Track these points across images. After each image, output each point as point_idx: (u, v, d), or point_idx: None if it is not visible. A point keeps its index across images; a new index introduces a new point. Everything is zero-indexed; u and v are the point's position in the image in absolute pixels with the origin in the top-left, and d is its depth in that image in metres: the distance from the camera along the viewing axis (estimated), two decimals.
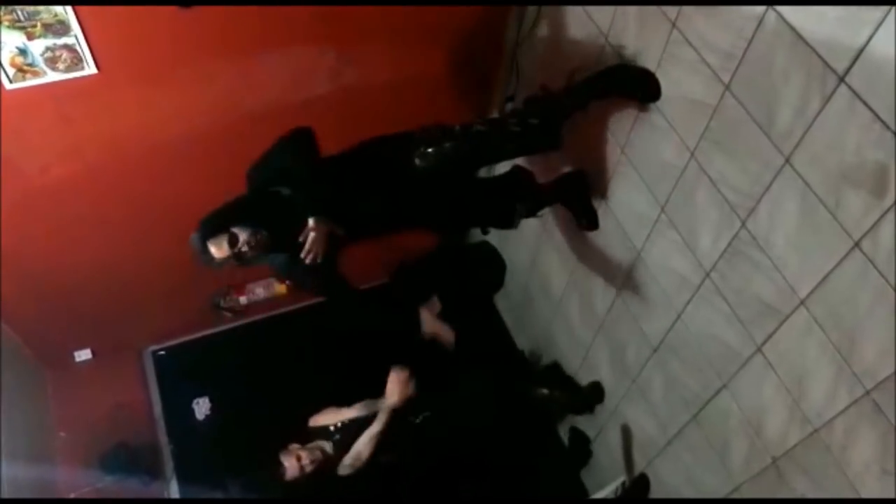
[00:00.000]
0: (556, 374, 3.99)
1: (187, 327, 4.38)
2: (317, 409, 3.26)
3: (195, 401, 4.18)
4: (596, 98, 2.69)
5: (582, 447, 3.91)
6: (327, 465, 3.07)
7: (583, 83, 2.67)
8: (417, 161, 2.54)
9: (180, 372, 4.29)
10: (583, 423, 3.90)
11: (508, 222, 2.97)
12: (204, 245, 2.33)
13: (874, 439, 2.04)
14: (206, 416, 4.16)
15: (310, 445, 3.08)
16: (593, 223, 3.08)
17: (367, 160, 2.58)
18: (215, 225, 2.34)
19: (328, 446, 3.10)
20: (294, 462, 2.98)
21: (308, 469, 3.00)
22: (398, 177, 2.58)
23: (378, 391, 3.16)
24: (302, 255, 2.37)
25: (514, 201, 2.95)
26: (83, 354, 4.18)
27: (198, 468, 3.92)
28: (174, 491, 4.00)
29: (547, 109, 2.64)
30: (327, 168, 2.49)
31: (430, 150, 2.53)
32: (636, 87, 2.58)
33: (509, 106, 3.62)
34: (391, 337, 3.33)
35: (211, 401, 4.19)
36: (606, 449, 3.72)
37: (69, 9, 2.46)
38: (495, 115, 3.68)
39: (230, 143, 3.26)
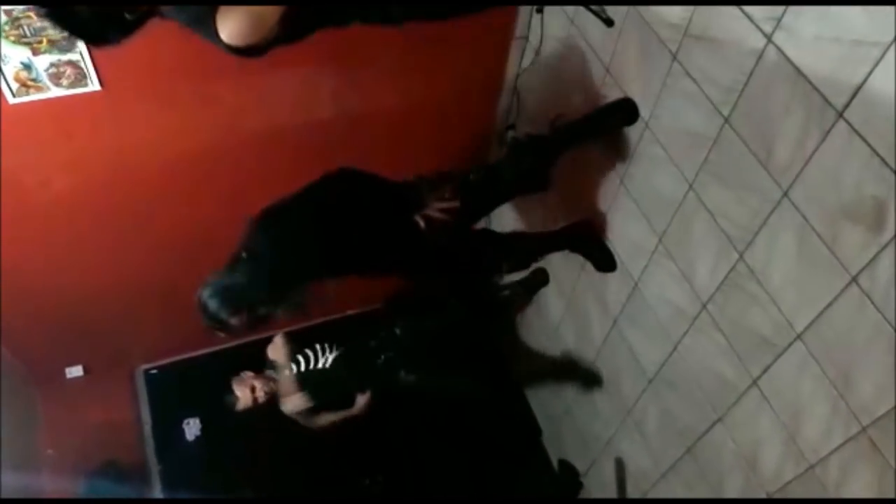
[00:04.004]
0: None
1: (181, 347, 4.34)
2: (303, 435, 3.21)
3: (186, 421, 4.14)
4: (582, 141, 2.78)
5: (570, 479, 3.88)
6: (279, 397, 3.00)
7: (565, 128, 2.75)
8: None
9: (172, 391, 4.25)
10: (574, 455, 3.87)
11: (522, 262, 3.10)
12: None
13: (870, 477, 2.02)
14: (197, 436, 4.11)
15: (265, 375, 3.00)
16: (611, 266, 3.07)
17: (366, 215, 2.49)
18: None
19: (284, 379, 3.01)
20: (247, 392, 2.93)
21: (261, 399, 2.94)
22: (399, 230, 2.54)
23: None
24: None
25: (502, 259, 3.03)
26: (75, 371, 4.14)
27: (186, 489, 3.87)
28: None
29: (535, 152, 2.71)
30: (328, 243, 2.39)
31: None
32: (616, 121, 2.68)
33: (510, 134, 3.64)
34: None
35: (202, 422, 4.14)
36: (599, 482, 3.68)
37: None
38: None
39: (231, 164, 3.28)
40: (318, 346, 3.09)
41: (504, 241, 3.09)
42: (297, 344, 3.11)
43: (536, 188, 2.78)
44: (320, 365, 3.07)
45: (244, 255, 2.30)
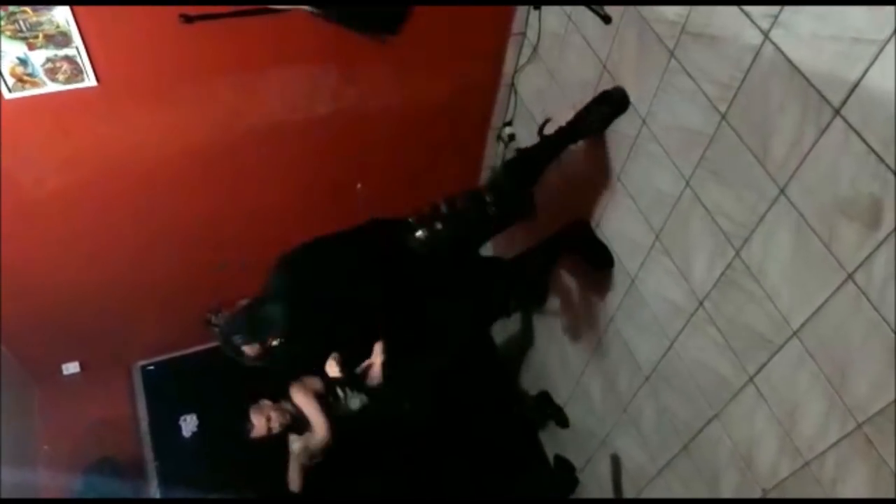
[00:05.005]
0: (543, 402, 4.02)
1: (177, 343, 4.34)
2: None
3: (182, 417, 4.14)
4: (570, 143, 2.77)
5: (566, 475, 3.89)
6: (293, 429, 3.06)
7: (554, 135, 2.76)
8: (414, 245, 2.51)
9: (169, 388, 4.24)
10: (571, 451, 3.88)
11: (503, 312, 3.11)
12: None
13: (866, 474, 2.02)
14: (193, 433, 4.11)
15: (281, 406, 3.05)
16: (608, 263, 3.08)
17: (366, 253, 2.54)
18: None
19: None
20: (263, 421, 2.98)
21: (275, 430, 2.99)
22: (399, 267, 2.56)
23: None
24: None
25: (509, 294, 3.02)
26: (71, 367, 4.14)
27: (183, 485, 3.87)
28: None
29: (520, 172, 2.70)
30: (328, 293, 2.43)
31: (420, 233, 2.51)
32: (606, 111, 2.69)
33: (507, 130, 3.64)
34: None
35: (198, 418, 4.14)
36: (596, 478, 3.69)
37: (71, 20, 2.47)
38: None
39: (228, 161, 3.28)
40: (343, 390, 3.18)
41: (507, 270, 3.08)
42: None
43: (519, 216, 2.71)
44: (344, 407, 3.16)
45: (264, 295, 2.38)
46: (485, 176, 3.99)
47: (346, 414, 3.14)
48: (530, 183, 2.69)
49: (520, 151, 2.84)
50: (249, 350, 2.34)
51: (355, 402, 3.16)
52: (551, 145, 2.76)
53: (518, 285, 3.06)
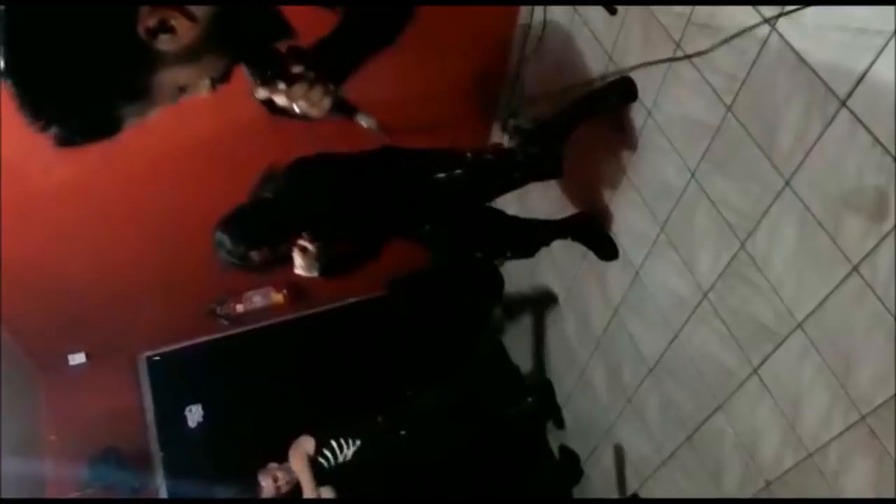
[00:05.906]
0: (542, 391, 4.01)
1: (183, 334, 4.36)
2: (305, 422, 3.31)
3: (188, 408, 4.16)
4: (585, 119, 2.79)
5: (572, 466, 3.89)
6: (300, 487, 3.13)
7: (570, 107, 2.81)
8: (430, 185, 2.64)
9: (174, 378, 4.26)
10: (575, 442, 3.89)
11: (529, 251, 3.09)
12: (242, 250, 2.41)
13: (868, 466, 2.03)
14: (199, 423, 4.14)
15: (286, 467, 3.15)
16: (614, 255, 3.09)
17: (385, 173, 2.68)
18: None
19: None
20: (270, 482, 3.07)
21: (283, 490, 3.09)
22: (414, 192, 2.69)
23: (365, 405, 3.34)
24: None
25: (508, 243, 3.08)
26: (77, 357, 4.15)
27: (188, 476, 3.89)
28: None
29: (544, 138, 2.79)
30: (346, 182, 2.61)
31: (441, 175, 2.63)
32: (616, 100, 2.70)
33: (511, 122, 3.63)
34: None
35: (204, 408, 4.16)
36: (600, 468, 3.70)
37: None
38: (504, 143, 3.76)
39: (233, 151, 3.28)
40: (336, 442, 3.26)
41: (512, 224, 3.10)
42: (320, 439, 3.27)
43: (548, 174, 2.88)
44: (341, 459, 3.24)
45: (269, 195, 2.49)
46: None
47: (345, 464, 3.24)
48: (553, 146, 2.78)
49: (536, 125, 2.95)
50: (257, 256, 2.40)
51: (349, 452, 3.26)
52: (566, 119, 2.82)
53: (519, 237, 3.10)
